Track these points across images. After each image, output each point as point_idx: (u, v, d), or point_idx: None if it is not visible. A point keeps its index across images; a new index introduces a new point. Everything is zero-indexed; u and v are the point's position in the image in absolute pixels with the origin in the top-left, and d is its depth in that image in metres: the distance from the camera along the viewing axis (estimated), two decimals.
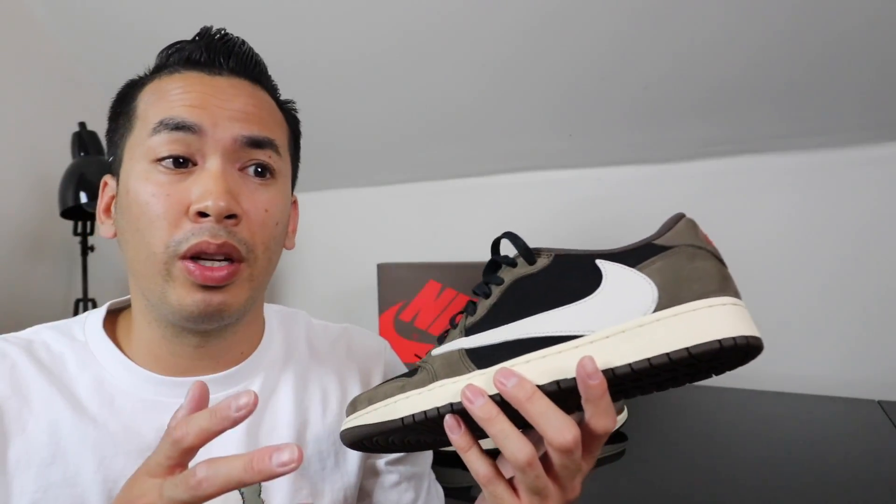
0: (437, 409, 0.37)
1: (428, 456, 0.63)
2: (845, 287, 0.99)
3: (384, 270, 1.20)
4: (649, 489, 0.64)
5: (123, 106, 0.49)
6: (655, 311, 0.33)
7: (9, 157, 1.37)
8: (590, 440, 0.36)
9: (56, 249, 1.48)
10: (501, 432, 0.35)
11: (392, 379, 0.43)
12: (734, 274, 0.35)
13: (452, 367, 0.38)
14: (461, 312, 0.42)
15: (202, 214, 0.43)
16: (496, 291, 0.40)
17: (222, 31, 0.49)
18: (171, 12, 1.21)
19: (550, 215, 1.25)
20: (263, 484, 0.49)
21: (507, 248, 0.41)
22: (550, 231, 1.24)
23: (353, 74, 1.21)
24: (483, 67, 1.10)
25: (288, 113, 0.54)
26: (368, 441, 0.42)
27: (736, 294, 0.34)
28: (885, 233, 0.97)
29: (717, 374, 0.35)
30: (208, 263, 0.44)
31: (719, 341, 0.31)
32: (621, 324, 0.34)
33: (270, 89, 0.52)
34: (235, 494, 0.47)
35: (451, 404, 0.37)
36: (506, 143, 1.24)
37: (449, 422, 0.37)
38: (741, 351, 0.32)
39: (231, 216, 0.44)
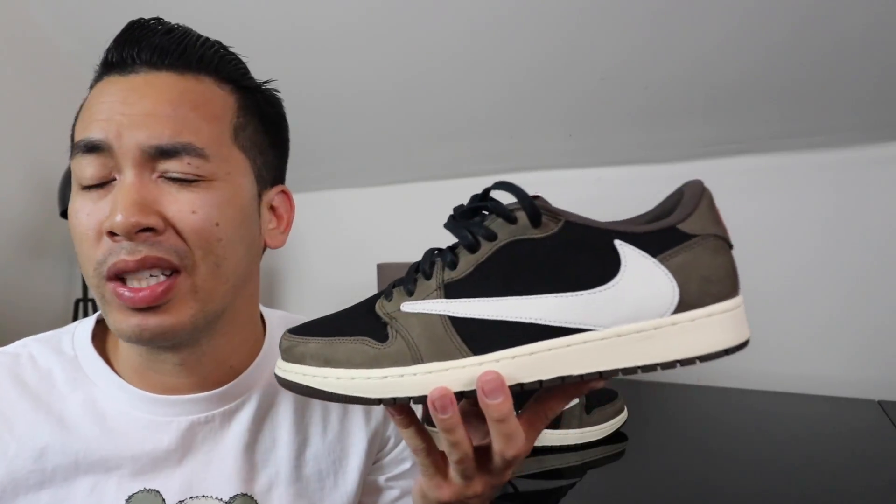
0: (423, 397, 0.32)
1: None
2: (846, 287, 0.99)
3: (384, 270, 1.20)
4: (649, 489, 0.64)
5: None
6: (674, 313, 0.31)
7: (9, 157, 1.38)
8: (497, 464, 0.35)
9: (56, 249, 1.49)
10: (457, 441, 0.33)
11: (347, 331, 0.35)
12: None
13: (439, 344, 0.32)
14: (434, 254, 0.35)
15: (113, 233, 0.39)
16: (486, 247, 0.33)
17: (142, 21, 0.44)
18: (171, 12, 1.21)
19: None
20: None
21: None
22: None
23: (356, 75, 1.21)
24: (482, 68, 1.10)
25: (254, 97, 0.47)
26: (316, 397, 0.35)
27: (738, 286, 0.33)
28: (885, 233, 0.97)
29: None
30: (137, 283, 0.40)
31: (725, 350, 0.31)
32: (637, 323, 0.31)
33: (217, 71, 0.44)
34: None
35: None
36: (506, 142, 1.24)
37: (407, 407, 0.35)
38: (732, 352, 0.32)
39: (146, 229, 0.39)
